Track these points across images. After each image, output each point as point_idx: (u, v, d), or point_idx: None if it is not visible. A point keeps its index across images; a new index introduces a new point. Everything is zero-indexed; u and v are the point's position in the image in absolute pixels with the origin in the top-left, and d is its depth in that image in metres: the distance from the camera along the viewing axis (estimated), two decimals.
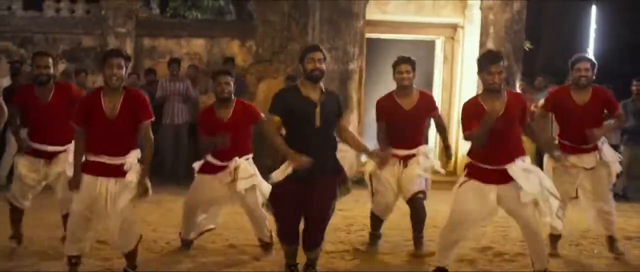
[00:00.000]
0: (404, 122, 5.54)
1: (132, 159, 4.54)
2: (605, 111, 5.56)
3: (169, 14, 12.71)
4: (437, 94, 10.72)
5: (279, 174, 4.51)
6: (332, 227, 6.23)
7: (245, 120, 5.35)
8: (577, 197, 5.58)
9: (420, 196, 5.62)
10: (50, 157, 5.32)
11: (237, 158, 5.25)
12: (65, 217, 5.20)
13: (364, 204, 7.37)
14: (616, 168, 5.51)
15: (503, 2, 9.95)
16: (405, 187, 5.59)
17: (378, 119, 5.68)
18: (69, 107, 5.23)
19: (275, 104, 4.53)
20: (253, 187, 5.26)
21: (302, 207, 4.54)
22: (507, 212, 4.70)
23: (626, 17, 12.07)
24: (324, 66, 4.55)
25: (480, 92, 4.84)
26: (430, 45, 10.91)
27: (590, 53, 12.81)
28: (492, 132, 4.44)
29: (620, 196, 8.89)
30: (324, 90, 4.60)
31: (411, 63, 5.55)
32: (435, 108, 5.77)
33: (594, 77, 5.51)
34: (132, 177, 4.49)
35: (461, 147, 10.51)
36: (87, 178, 4.52)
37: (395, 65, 5.59)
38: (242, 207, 5.43)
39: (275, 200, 4.63)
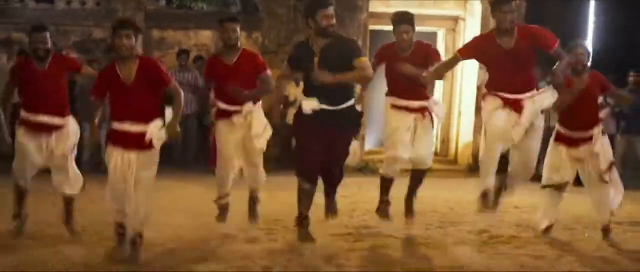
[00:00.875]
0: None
1: (154, 128, 4.78)
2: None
3: (175, 5, 12.84)
4: (438, 85, 10.97)
5: (307, 105, 4.94)
6: None
7: (250, 67, 5.56)
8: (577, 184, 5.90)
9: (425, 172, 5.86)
10: (49, 130, 5.41)
11: (250, 103, 5.52)
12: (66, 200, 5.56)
13: (367, 191, 7.67)
14: (607, 157, 5.69)
15: None
16: (418, 154, 5.71)
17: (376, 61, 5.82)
18: (65, 75, 5.55)
19: (289, 57, 5.27)
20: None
21: (323, 147, 4.99)
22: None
23: (624, 10, 12.26)
24: (334, 20, 4.89)
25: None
26: (432, 37, 11.14)
27: (590, 45, 13.15)
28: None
29: None
30: (332, 38, 4.90)
31: (411, 22, 5.66)
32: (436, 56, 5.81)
33: (588, 64, 5.75)
34: (155, 145, 4.77)
35: (462, 136, 10.78)
36: (114, 151, 4.81)
37: (394, 24, 5.68)
38: (246, 157, 5.71)
39: (301, 136, 5.06)
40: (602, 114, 8.84)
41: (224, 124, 5.69)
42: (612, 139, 9.54)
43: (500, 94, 5.33)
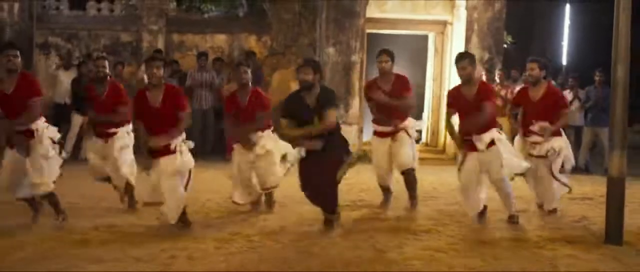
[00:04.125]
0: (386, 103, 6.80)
1: (178, 140, 5.78)
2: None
3: (184, 6, 13.63)
4: (428, 82, 12.21)
5: (294, 157, 6.04)
6: None
7: (258, 106, 6.57)
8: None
9: (411, 170, 6.99)
10: (106, 137, 6.72)
11: (259, 133, 6.61)
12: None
13: (363, 174, 8.90)
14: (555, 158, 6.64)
15: (486, 2, 11.40)
16: (397, 161, 6.96)
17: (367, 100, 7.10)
18: (116, 100, 6.72)
19: (283, 111, 5.95)
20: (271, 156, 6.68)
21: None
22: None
23: (595, 14, 13.38)
24: (309, 77, 5.71)
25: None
26: (424, 39, 12.37)
27: (565, 46, 14.37)
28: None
29: (583, 170, 10.38)
30: (319, 91, 5.78)
31: (389, 54, 6.88)
32: (407, 89, 6.89)
33: (543, 74, 6.75)
34: (178, 158, 5.77)
35: None
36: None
37: (377, 55, 6.92)
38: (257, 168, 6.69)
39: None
40: (573, 107, 10.11)
41: (237, 148, 6.72)
42: (579, 130, 10.80)
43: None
